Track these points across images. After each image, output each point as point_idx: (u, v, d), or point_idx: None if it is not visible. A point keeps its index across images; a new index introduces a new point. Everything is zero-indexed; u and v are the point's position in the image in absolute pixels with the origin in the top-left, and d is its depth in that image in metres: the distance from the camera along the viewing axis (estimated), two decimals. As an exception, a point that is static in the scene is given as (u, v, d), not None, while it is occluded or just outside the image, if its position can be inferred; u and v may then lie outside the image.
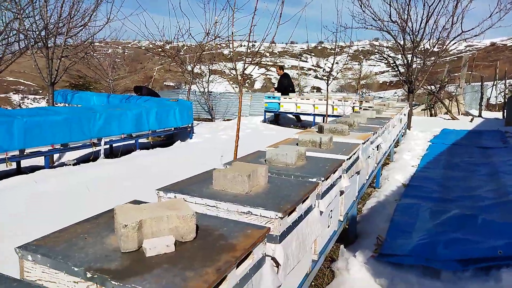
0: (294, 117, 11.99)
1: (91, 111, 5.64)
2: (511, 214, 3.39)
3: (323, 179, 1.98)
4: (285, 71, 12.05)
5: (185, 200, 1.59)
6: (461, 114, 13.72)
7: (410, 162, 6.10)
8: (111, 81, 14.90)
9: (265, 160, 2.31)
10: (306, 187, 1.81)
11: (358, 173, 3.08)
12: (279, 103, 11.27)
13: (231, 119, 12.80)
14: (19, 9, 5.95)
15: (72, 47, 7.02)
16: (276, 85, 12.00)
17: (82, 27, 6.37)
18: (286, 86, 11.43)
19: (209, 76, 13.10)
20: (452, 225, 3.09)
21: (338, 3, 9.10)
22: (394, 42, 10.72)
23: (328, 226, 2.25)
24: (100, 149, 5.76)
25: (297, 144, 2.89)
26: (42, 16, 6.07)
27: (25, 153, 4.80)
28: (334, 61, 6.38)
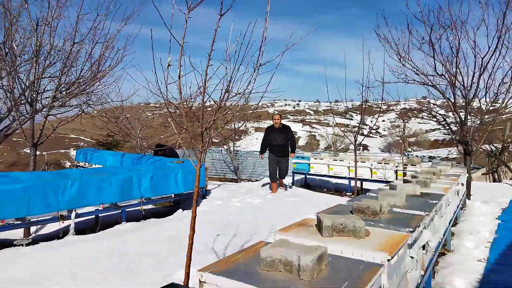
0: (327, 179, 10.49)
1: (62, 178, 4.69)
2: None
3: None
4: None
5: None
6: (533, 180, 11.48)
7: (475, 253, 4.39)
8: (139, 139, 14.49)
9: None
10: None
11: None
12: (309, 164, 9.93)
13: (258, 180, 11.58)
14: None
15: (59, 106, 6.38)
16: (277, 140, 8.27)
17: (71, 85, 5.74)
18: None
19: (235, 133, 12.20)
20: None
21: (374, 58, 7.95)
22: (443, 98, 9.26)
23: None
24: (70, 224, 4.70)
25: (260, 267, 1.57)
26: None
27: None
28: (362, 116, 5.10)
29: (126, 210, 5.53)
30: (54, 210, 4.55)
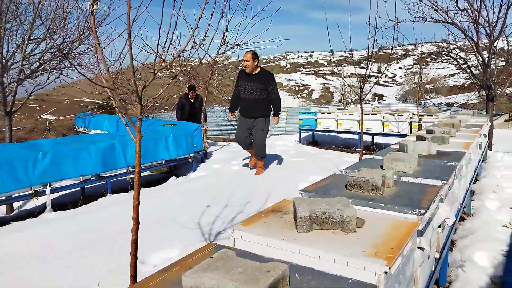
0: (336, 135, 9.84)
1: (31, 149, 4.22)
2: None
3: None
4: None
5: None
6: (562, 125, 10.60)
7: (499, 217, 3.82)
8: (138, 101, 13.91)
9: None
10: None
11: None
12: (316, 120, 9.29)
13: (263, 139, 11.01)
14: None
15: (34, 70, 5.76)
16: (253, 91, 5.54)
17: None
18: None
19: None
20: None
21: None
22: (464, 37, 8.30)
23: None
24: (47, 200, 4.30)
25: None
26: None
27: None
28: (369, 62, 4.37)
29: (112, 180, 5.10)
30: (26, 186, 4.13)
